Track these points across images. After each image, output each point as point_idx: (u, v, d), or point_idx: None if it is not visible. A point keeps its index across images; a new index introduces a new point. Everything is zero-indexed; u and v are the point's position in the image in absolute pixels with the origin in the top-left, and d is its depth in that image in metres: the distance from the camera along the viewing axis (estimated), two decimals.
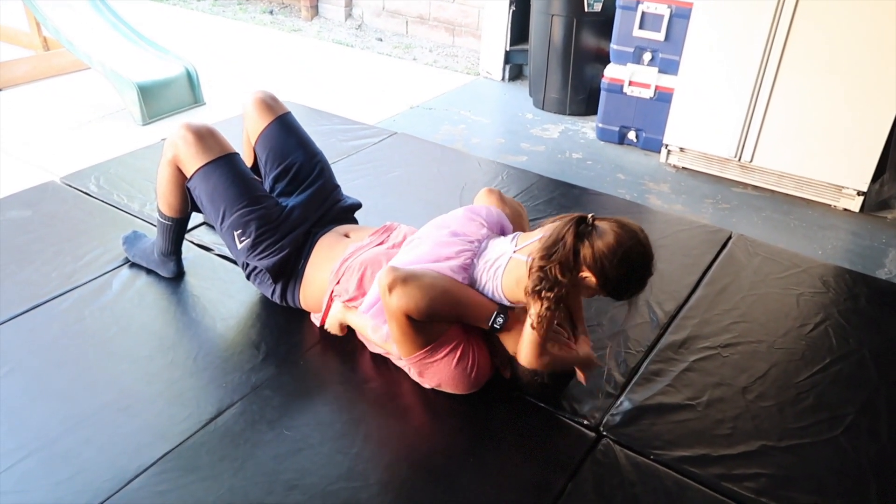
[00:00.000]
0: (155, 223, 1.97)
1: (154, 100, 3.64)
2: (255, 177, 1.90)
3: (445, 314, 1.52)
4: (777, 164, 3.11)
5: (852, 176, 2.97)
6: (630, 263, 1.39)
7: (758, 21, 2.89)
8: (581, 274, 1.40)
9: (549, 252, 1.40)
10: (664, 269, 2.15)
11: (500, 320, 1.53)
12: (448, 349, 1.54)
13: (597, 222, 1.41)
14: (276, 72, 4.53)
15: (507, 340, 1.57)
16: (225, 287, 1.96)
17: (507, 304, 1.54)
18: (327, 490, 1.39)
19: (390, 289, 1.44)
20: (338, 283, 1.72)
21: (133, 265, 2.02)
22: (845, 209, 3.05)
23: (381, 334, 1.60)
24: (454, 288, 1.52)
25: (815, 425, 1.60)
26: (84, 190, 2.40)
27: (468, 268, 1.54)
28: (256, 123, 1.95)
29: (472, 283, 1.55)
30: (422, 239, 1.64)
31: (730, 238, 2.31)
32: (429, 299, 1.45)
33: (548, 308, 1.41)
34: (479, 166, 2.86)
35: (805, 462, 1.51)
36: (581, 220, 1.41)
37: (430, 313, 1.47)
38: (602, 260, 1.37)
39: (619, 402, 1.63)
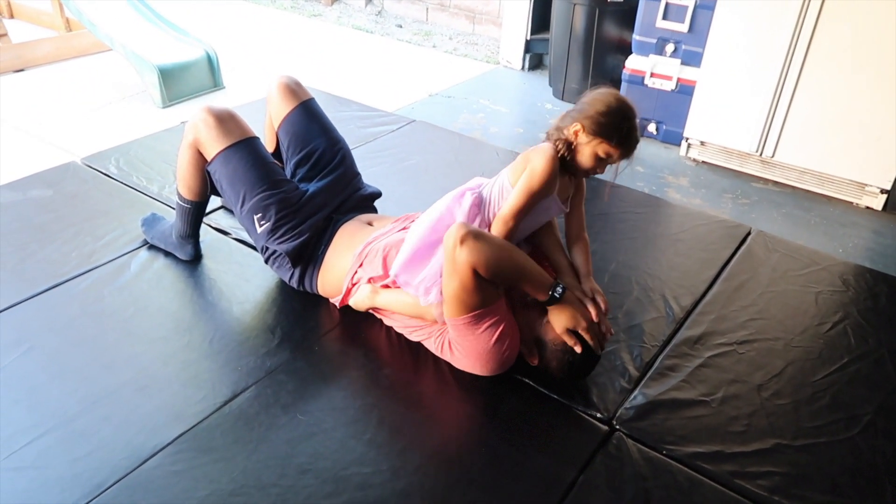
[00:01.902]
0: (173, 206, 1.99)
1: (174, 83, 3.66)
2: (276, 161, 1.90)
3: (509, 275, 1.53)
4: (799, 160, 3.07)
5: (876, 173, 2.92)
6: (608, 106, 1.51)
7: (784, 14, 2.85)
8: (572, 128, 1.53)
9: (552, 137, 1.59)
10: (681, 263, 2.14)
11: (559, 290, 1.53)
12: (492, 321, 1.54)
13: None
14: (296, 57, 4.53)
15: (559, 317, 1.55)
16: (241, 271, 1.97)
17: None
18: (339, 475, 1.40)
19: (461, 241, 1.45)
20: (360, 265, 1.73)
21: (151, 247, 2.04)
22: (868, 207, 3.01)
23: (429, 298, 1.61)
24: (521, 252, 1.56)
25: (830, 424, 1.58)
26: (104, 171, 2.42)
27: (478, 203, 1.63)
28: (280, 108, 1.96)
29: (484, 212, 1.63)
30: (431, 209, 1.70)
31: (749, 234, 2.29)
32: (498, 256, 1.47)
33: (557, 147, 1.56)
34: (497, 156, 2.84)
35: (820, 461, 1.50)
36: None
37: (497, 271, 1.48)
38: (583, 110, 1.53)
39: (632, 396, 1.62)
